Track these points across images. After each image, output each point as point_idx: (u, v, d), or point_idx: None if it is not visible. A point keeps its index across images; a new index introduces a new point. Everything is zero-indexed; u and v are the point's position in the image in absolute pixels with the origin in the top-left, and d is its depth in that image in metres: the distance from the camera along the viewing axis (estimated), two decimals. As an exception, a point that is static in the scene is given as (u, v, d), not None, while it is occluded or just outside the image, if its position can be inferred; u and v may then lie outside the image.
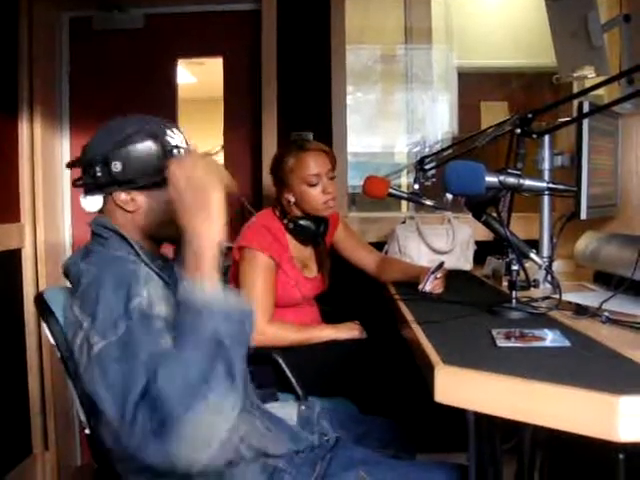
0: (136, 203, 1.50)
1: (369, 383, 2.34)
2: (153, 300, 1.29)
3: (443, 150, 2.37)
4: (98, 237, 1.50)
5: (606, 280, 2.09)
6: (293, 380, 2.22)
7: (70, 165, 1.58)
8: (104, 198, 1.52)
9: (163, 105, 3.44)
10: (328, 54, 3.28)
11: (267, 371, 2.16)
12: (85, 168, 1.52)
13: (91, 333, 1.27)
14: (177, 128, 1.55)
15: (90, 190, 1.52)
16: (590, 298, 1.83)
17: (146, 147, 1.45)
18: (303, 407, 1.76)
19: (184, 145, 1.53)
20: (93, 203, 1.53)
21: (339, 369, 2.32)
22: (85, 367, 1.27)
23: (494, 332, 1.51)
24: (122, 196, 1.49)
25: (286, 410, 1.73)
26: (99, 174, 1.47)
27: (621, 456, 1.38)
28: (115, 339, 1.23)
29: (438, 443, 2.79)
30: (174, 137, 1.51)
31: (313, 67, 3.29)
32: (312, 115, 3.30)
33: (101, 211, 1.54)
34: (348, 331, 2.42)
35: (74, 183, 1.57)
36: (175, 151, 1.49)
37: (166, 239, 1.57)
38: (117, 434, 1.21)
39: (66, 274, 1.50)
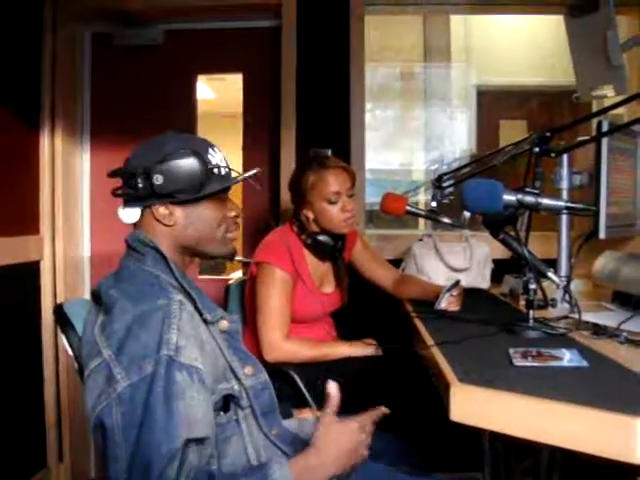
0: (174, 218, 1.52)
1: (384, 400, 2.32)
2: (181, 345, 1.31)
3: (461, 168, 2.37)
4: (133, 252, 1.52)
5: (625, 300, 2.08)
6: (308, 396, 2.22)
7: (111, 175, 1.59)
8: (142, 211, 1.54)
9: (182, 120, 3.47)
10: (347, 71, 3.30)
11: (282, 387, 2.16)
12: (126, 179, 1.53)
13: (114, 364, 1.30)
14: (217, 148, 1.59)
15: (129, 201, 1.54)
16: (608, 318, 1.82)
17: (188, 163, 1.47)
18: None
19: (224, 164, 1.57)
20: (131, 215, 1.55)
21: (354, 386, 2.31)
22: (100, 394, 1.29)
23: (511, 351, 1.51)
24: (161, 210, 1.51)
25: (305, 428, 1.72)
26: (140, 185, 1.48)
27: None
28: (137, 380, 1.26)
29: (453, 462, 2.77)
30: (215, 156, 1.55)
31: (332, 84, 3.30)
32: (331, 132, 3.30)
33: (135, 224, 1.56)
34: (363, 348, 2.42)
35: (113, 192, 1.58)
36: (215, 170, 1.53)
37: (200, 255, 1.61)
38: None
39: (95, 298, 1.51)
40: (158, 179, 1.46)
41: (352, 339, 2.47)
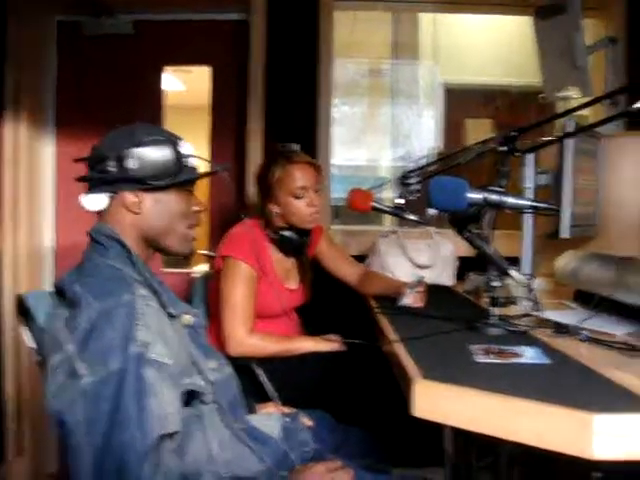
0: (142, 206, 1.52)
1: (347, 396, 2.33)
2: (149, 341, 1.32)
3: (427, 165, 2.38)
4: (97, 245, 1.50)
5: (586, 299, 2.10)
6: (272, 391, 2.22)
7: (78, 160, 1.57)
8: (110, 198, 1.52)
9: (149, 111, 3.44)
10: (316, 66, 3.29)
11: (246, 381, 2.16)
12: (95, 164, 1.52)
13: (77, 359, 1.28)
14: (187, 142, 1.60)
15: (97, 186, 1.52)
16: (570, 316, 1.84)
17: (163, 150, 1.49)
18: (287, 419, 1.76)
19: (194, 156, 1.58)
20: (95, 202, 1.53)
21: (318, 381, 2.32)
22: (62, 389, 1.29)
23: (473, 348, 1.52)
24: (130, 196, 1.50)
25: (270, 422, 1.72)
26: (112, 169, 1.48)
27: (596, 474, 1.39)
28: (102, 377, 1.26)
29: (414, 458, 2.78)
30: (185, 147, 1.56)
31: (301, 78, 3.30)
32: (298, 126, 3.30)
33: (100, 213, 1.54)
34: (328, 344, 2.42)
35: (79, 178, 1.56)
36: (187, 161, 1.55)
37: (159, 249, 1.60)
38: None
39: (59, 291, 1.49)
40: (132, 163, 1.46)
41: (316, 335, 2.48)
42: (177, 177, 1.52)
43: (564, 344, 1.60)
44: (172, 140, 1.53)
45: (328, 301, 2.97)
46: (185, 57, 3.54)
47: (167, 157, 1.49)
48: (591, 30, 3.20)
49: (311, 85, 3.30)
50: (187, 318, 1.51)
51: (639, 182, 2.38)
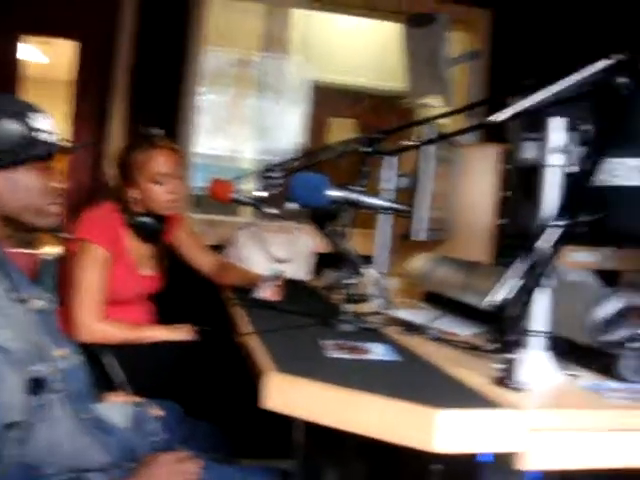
0: None
1: (198, 386, 2.32)
2: None
3: (290, 160, 2.40)
4: None
5: (436, 300, 2.19)
6: (122, 380, 2.17)
7: None
8: None
9: (3, 82, 3.28)
10: (185, 52, 3.25)
11: (96, 370, 2.10)
12: None
13: None
14: (46, 114, 1.50)
15: None
16: (421, 316, 1.91)
17: (8, 124, 1.39)
18: (137, 409, 1.73)
19: (50, 130, 1.47)
20: None
21: (169, 370, 2.29)
22: None
23: (326, 343, 1.54)
24: None
25: (118, 412, 1.68)
26: None
27: (436, 466, 1.44)
28: None
29: (264, 449, 2.80)
30: (40, 121, 1.45)
31: (169, 63, 3.25)
32: (163, 111, 3.25)
33: None
34: (180, 332, 2.40)
35: None
36: (40, 135, 1.44)
37: (23, 227, 1.50)
38: None
39: None
40: None
41: (170, 323, 2.45)
42: (26, 153, 1.42)
43: (413, 342, 1.66)
44: (22, 113, 1.43)
45: (183, 290, 2.93)
46: (48, 28, 3.40)
47: (13, 132, 1.40)
48: (459, 43, 3.32)
49: (179, 70, 3.25)
50: (38, 302, 1.45)
51: (489, 191, 2.49)
